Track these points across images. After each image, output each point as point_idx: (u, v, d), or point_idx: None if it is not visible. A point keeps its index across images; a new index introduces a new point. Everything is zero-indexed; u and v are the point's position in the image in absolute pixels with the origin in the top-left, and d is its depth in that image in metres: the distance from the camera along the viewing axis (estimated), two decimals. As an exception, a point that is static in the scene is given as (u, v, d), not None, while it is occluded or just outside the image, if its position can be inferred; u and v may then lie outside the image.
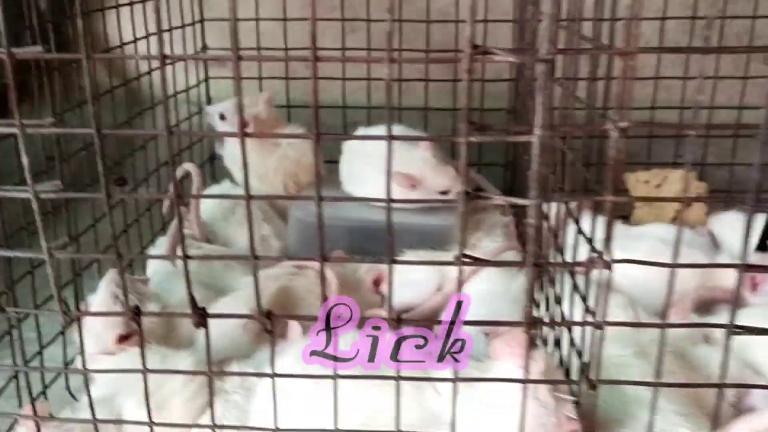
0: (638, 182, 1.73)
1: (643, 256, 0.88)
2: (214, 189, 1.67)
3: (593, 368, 0.70)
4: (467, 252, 1.45)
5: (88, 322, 1.16)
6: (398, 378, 0.70)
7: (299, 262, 1.37)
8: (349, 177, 1.60)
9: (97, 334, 1.13)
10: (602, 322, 0.69)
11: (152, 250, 1.46)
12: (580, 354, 0.77)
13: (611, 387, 0.86)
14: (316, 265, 1.34)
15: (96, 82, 1.42)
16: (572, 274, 0.86)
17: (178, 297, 1.25)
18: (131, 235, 1.40)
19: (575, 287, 0.83)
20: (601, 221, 1.46)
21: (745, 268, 0.63)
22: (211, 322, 1.19)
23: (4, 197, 0.70)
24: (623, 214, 1.69)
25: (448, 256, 1.45)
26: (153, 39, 1.49)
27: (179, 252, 1.40)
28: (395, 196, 1.39)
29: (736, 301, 0.65)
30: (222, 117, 1.66)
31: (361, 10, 1.82)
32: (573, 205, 1.28)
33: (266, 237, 1.54)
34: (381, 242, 1.44)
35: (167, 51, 1.56)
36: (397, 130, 1.58)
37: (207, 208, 1.56)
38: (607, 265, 0.67)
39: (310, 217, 1.51)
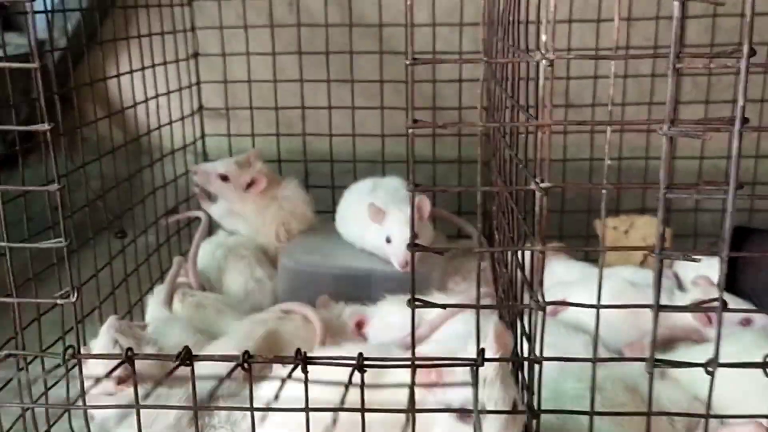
0: (607, 228, 1.84)
1: (608, 297, 0.95)
2: (207, 240, 1.77)
3: (534, 399, 0.80)
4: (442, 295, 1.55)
5: (89, 365, 1.25)
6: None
7: (286, 307, 1.46)
8: (338, 218, 1.74)
9: (98, 376, 1.22)
10: (541, 359, 0.78)
11: (150, 298, 1.56)
12: (528, 387, 0.86)
13: (572, 418, 0.93)
14: (302, 309, 1.46)
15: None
16: (520, 315, 0.95)
17: (174, 341, 1.34)
18: (131, 282, 1.50)
19: (521, 327, 0.92)
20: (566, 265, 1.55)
21: (658, 308, 0.72)
22: (203, 365, 1.29)
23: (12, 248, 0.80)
24: (594, 257, 1.78)
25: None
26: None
27: (176, 300, 1.52)
28: (368, 231, 1.56)
29: (654, 337, 0.74)
30: (224, 178, 1.76)
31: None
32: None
33: (260, 279, 1.64)
34: (363, 288, 1.57)
35: (166, 110, 1.73)
36: (394, 182, 1.69)
37: (202, 256, 1.67)
38: (541, 308, 0.76)
39: (298, 265, 1.61)
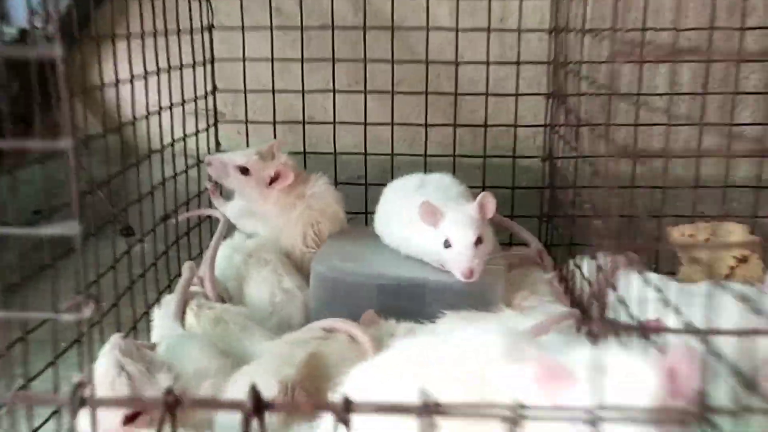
0: (683, 237, 1.60)
1: (730, 323, 0.74)
2: (223, 243, 1.49)
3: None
4: (513, 311, 1.30)
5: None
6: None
7: (328, 325, 1.20)
8: (379, 219, 1.48)
9: (99, 413, 0.95)
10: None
11: (158, 311, 1.28)
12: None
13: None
14: (348, 328, 1.19)
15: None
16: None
17: (193, 366, 1.08)
18: (135, 290, 1.23)
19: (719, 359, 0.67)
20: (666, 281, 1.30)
21: None
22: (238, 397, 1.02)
23: None
24: (668, 270, 1.55)
25: (490, 316, 1.29)
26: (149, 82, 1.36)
27: (189, 313, 1.25)
28: (418, 234, 1.31)
29: None
30: (245, 171, 1.49)
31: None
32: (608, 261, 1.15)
33: (289, 290, 1.37)
34: (413, 300, 1.31)
35: (178, 93, 1.46)
36: (446, 179, 1.44)
37: (217, 262, 1.40)
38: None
39: (333, 272, 1.35)
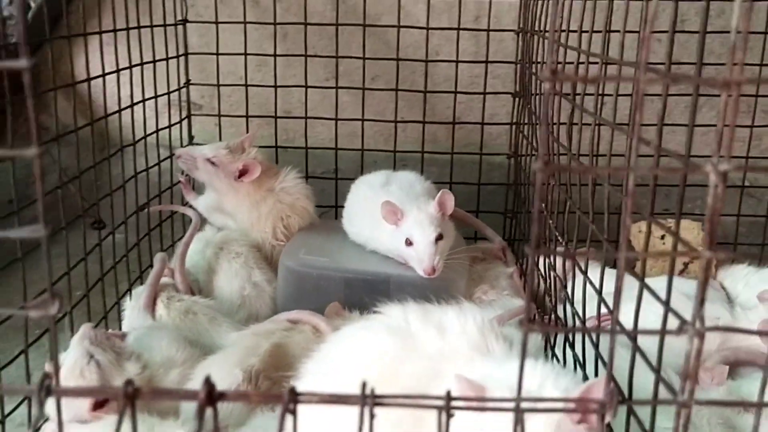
0: (641, 233, 1.66)
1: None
2: (196, 237, 1.52)
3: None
4: (472, 303, 1.35)
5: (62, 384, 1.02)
6: None
7: (294, 317, 1.25)
8: (346, 215, 1.52)
9: (69, 400, 0.99)
10: (690, 401, 0.59)
11: (129, 302, 1.32)
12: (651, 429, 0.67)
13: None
14: (312, 319, 1.24)
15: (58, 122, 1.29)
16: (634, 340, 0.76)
17: (162, 355, 1.12)
18: (106, 281, 1.26)
19: (641, 357, 0.73)
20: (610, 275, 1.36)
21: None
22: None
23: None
24: (630, 266, 1.61)
25: (447, 308, 1.35)
26: (124, 74, 1.38)
27: (160, 305, 1.28)
28: (382, 232, 1.35)
29: None
30: (213, 163, 1.52)
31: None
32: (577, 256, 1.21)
33: (258, 283, 1.41)
34: (378, 294, 1.35)
35: (151, 87, 1.48)
36: (410, 176, 1.49)
37: (189, 256, 1.43)
38: (700, 335, 0.57)
39: (301, 267, 1.39)
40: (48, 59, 1.29)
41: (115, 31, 1.32)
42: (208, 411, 0.65)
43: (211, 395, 0.62)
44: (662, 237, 1.65)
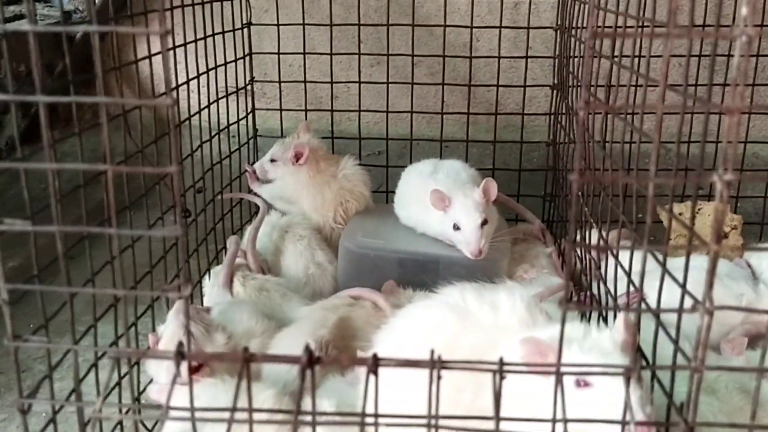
0: (667, 207, 1.77)
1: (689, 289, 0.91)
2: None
3: (690, 411, 0.74)
4: (515, 282, 1.48)
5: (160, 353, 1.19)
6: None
7: (356, 293, 1.40)
8: (397, 202, 1.67)
9: (169, 365, 1.16)
10: (701, 367, 0.72)
11: (207, 281, 1.49)
12: (670, 394, 0.81)
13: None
14: (372, 296, 1.39)
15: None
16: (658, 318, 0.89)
17: (243, 327, 1.28)
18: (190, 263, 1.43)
19: (663, 330, 0.86)
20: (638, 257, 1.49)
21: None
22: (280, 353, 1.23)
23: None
24: (659, 243, 1.73)
25: (496, 287, 1.48)
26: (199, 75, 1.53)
27: (237, 282, 1.45)
28: (431, 217, 1.49)
29: None
30: (273, 161, 1.71)
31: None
32: (610, 237, 1.33)
33: (321, 263, 1.57)
34: (428, 273, 1.50)
35: (215, 86, 1.63)
36: (456, 165, 1.62)
37: (258, 238, 1.60)
38: (709, 312, 0.70)
39: (360, 248, 1.54)
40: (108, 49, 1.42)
41: (186, 43, 1.47)
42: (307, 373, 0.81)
43: (311, 359, 0.78)
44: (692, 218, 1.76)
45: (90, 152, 1.22)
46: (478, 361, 0.76)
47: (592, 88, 1.21)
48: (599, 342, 0.88)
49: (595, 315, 1.22)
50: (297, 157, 1.67)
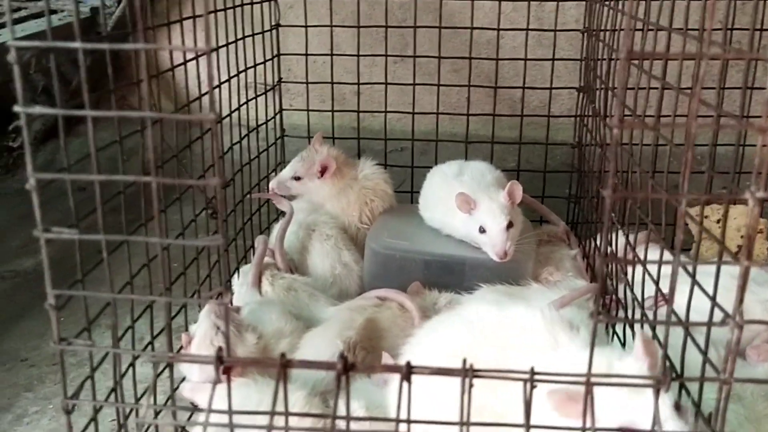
0: (697, 217, 1.77)
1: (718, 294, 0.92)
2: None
3: (719, 422, 0.75)
4: (539, 284, 1.49)
5: (193, 351, 1.22)
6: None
7: (382, 294, 1.42)
8: (423, 203, 1.68)
9: (202, 365, 1.19)
10: (730, 379, 0.73)
11: (236, 280, 1.52)
12: (698, 404, 0.82)
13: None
14: (398, 297, 1.41)
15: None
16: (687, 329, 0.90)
17: (273, 327, 1.31)
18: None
19: (691, 340, 0.87)
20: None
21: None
22: (309, 354, 1.26)
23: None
24: (684, 248, 1.73)
25: (520, 289, 1.48)
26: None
27: (265, 282, 1.47)
28: (456, 219, 1.50)
29: None
30: (297, 178, 1.73)
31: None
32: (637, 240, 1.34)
33: (347, 263, 1.60)
34: (454, 275, 1.52)
35: (243, 88, 1.66)
36: (481, 166, 1.63)
37: (286, 239, 1.62)
38: (739, 327, 0.71)
39: (385, 249, 1.56)
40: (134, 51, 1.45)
41: (219, 47, 1.49)
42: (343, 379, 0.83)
43: (346, 366, 0.80)
44: (717, 221, 1.76)
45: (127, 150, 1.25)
46: (509, 370, 0.78)
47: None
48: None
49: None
50: (322, 171, 1.71)
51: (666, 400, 0.81)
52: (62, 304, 0.81)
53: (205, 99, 1.50)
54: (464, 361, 0.79)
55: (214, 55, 1.38)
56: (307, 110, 1.89)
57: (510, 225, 1.47)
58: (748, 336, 1.38)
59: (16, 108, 0.73)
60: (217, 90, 1.48)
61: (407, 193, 1.91)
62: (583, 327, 0.97)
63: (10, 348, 1.54)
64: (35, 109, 0.72)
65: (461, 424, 0.79)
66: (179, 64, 1.23)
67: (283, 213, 1.74)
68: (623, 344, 1.17)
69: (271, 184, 1.75)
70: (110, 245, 0.87)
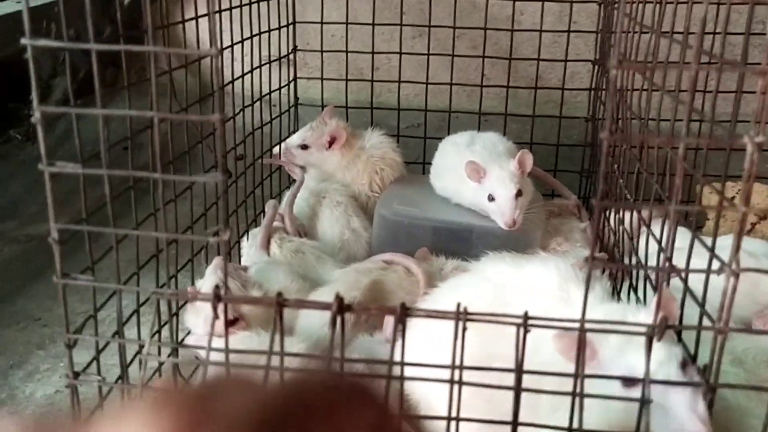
0: (711, 194, 1.75)
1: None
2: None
3: (713, 373, 0.75)
4: (547, 254, 1.49)
5: (198, 305, 1.24)
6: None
7: (389, 258, 1.43)
8: (434, 172, 1.69)
9: (207, 316, 1.20)
10: (725, 328, 0.73)
11: (246, 242, 1.53)
12: (694, 358, 0.81)
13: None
14: (405, 261, 1.42)
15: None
16: (685, 281, 0.89)
17: (278, 286, 1.32)
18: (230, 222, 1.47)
19: (689, 294, 0.87)
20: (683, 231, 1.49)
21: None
22: (312, 313, 1.27)
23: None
24: (697, 225, 1.71)
25: (529, 258, 1.48)
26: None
27: (273, 244, 1.49)
28: (466, 188, 1.50)
29: None
30: (305, 147, 1.74)
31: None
32: (644, 213, 1.33)
33: (356, 229, 1.61)
34: (462, 242, 1.52)
35: (257, 54, 1.67)
36: (493, 137, 1.62)
37: (296, 206, 1.64)
38: (735, 274, 0.71)
39: (395, 216, 1.57)
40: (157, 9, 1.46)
41: (232, 8, 1.51)
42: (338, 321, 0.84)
43: (341, 306, 0.81)
44: (732, 198, 1.74)
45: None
46: (503, 314, 0.78)
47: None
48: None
49: (626, 285, 1.23)
50: (331, 142, 1.71)
51: (673, 355, 0.81)
52: (65, 239, 0.83)
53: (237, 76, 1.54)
54: (458, 305, 0.79)
55: (218, 54, 1.40)
56: (321, 79, 1.90)
57: (519, 193, 1.47)
58: (755, 309, 1.37)
59: (23, 40, 0.74)
60: (229, 58, 1.50)
61: (419, 164, 1.91)
62: (597, 283, 0.97)
63: (24, 308, 1.57)
64: (40, 41, 0.74)
65: (453, 367, 0.79)
66: (190, 18, 1.24)
67: (294, 180, 1.76)
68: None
69: (275, 150, 1.76)
70: (115, 190, 0.89)
